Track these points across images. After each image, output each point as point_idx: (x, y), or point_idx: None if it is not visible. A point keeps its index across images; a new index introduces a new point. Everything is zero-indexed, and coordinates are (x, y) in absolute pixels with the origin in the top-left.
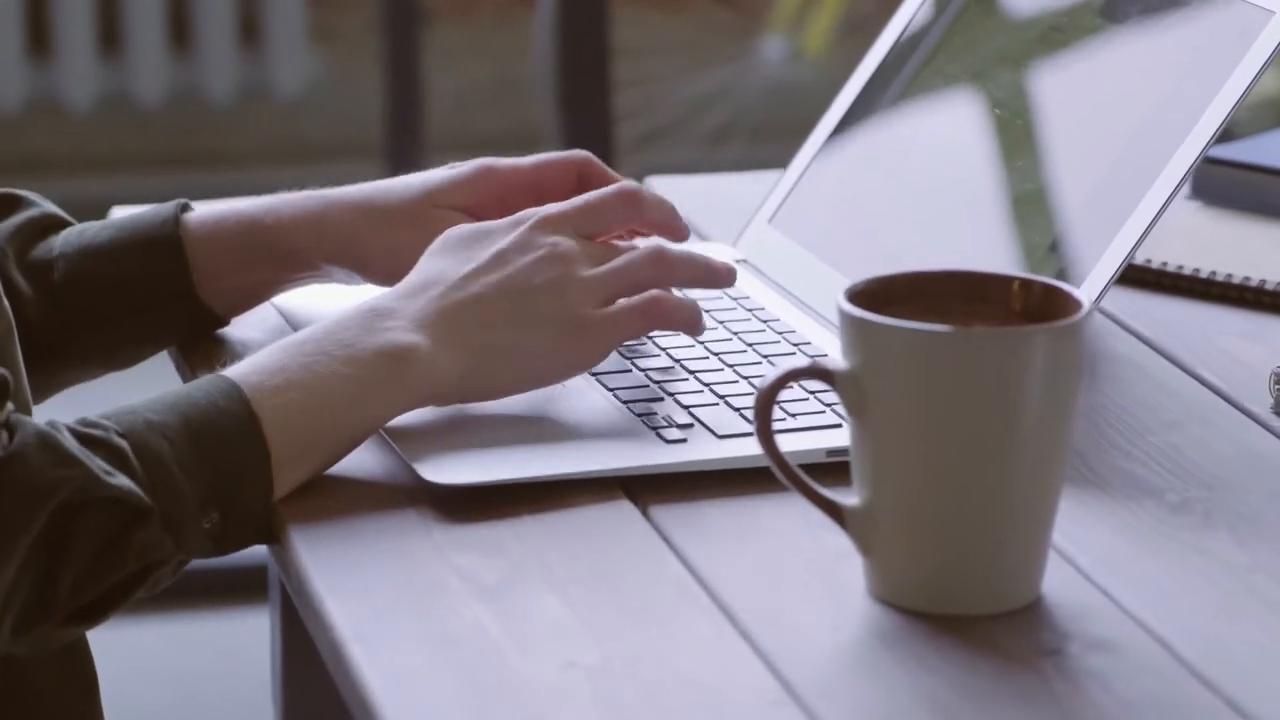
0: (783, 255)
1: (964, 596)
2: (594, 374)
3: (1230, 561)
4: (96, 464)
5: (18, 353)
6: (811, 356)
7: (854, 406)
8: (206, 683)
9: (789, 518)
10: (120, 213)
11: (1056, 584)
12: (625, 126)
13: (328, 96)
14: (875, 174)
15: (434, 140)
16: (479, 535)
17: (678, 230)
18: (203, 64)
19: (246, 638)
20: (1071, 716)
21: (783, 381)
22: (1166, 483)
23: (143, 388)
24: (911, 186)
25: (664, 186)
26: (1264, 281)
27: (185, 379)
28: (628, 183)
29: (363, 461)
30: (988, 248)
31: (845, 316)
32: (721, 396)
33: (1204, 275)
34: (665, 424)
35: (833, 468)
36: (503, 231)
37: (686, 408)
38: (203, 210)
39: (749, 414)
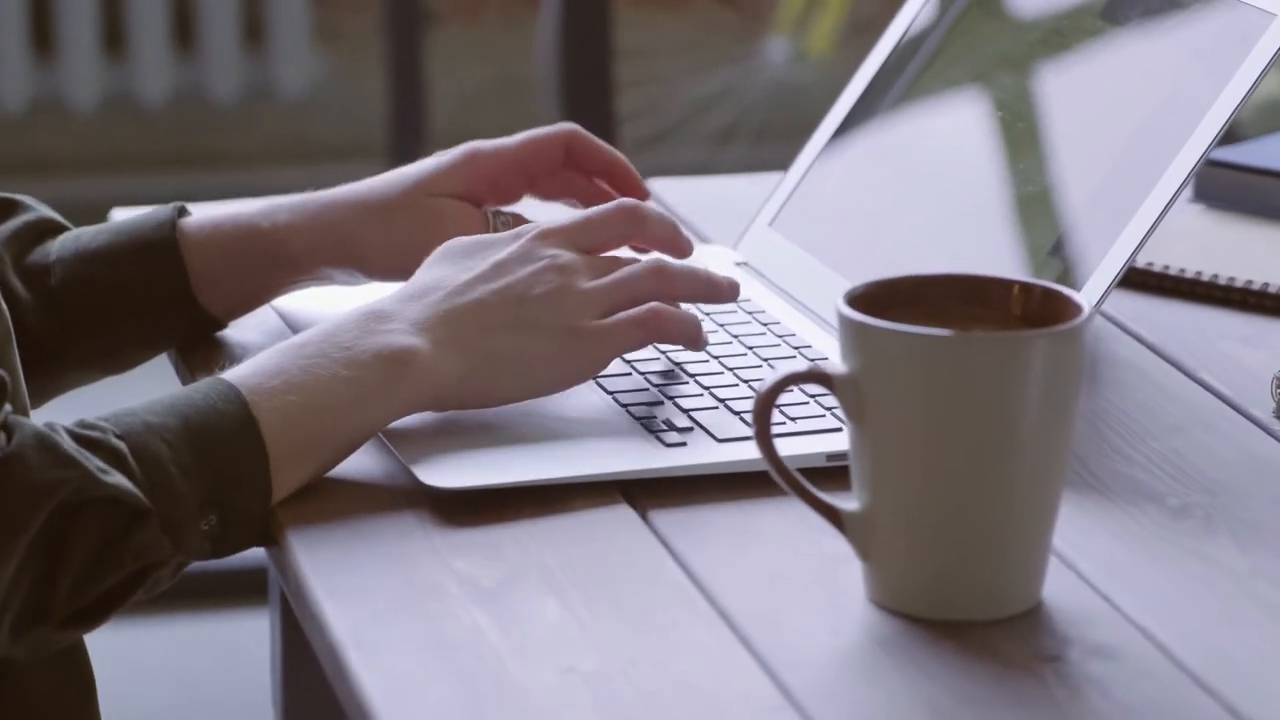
0: (783, 258)
1: (964, 602)
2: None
3: (1231, 567)
4: (94, 464)
5: (16, 356)
6: (812, 360)
7: (853, 411)
8: (206, 684)
9: (788, 522)
10: (120, 214)
11: (1057, 589)
12: (629, 128)
13: (332, 97)
14: (876, 177)
15: (438, 141)
16: (477, 539)
17: (681, 246)
18: (207, 64)
19: (247, 639)
20: None
21: (781, 386)
22: (1168, 488)
23: (142, 390)
24: (912, 189)
25: (665, 188)
26: (1267, 285)
27: (185, 382)
28: (628, 199)
29: (361, 464)
30: (989, 251)
31: (844, 320)
32: (721, 400)
33: (1206, 279)
34: (665, 427)
35: (833, 472)
36: (504, 243)
37: (686, 411)
38: (199, 214)
39: (749, 418)
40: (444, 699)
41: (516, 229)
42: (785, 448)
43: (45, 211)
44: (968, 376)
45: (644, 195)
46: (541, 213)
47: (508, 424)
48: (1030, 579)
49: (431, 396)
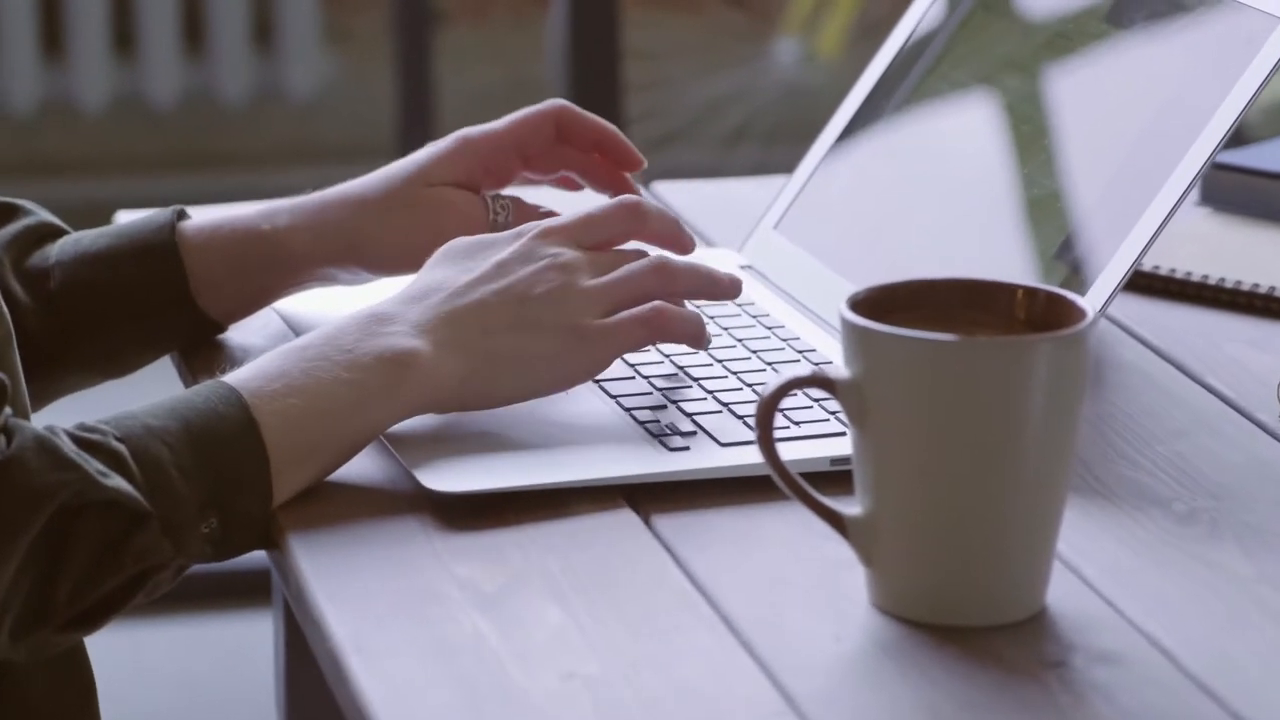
0: (788, 261)
1: (967, 607)
2: (597, 380)
3: (1237, 572)
4: (94, 467)
5: (16, 359)
6: (816, 364)
7: (856, 415)
8: (209, 686)
9: (792, 527)
10: (124, 217)
11: (1061, 595)
12: (638, 129)
13: (341, 98)
14: (880, 180)
15: None
16: (479, 543)
17: (682, 242)
18: (216, 65)
19: (249, 641)
20: None
21: (784, 390)
22: (1173, 492)
23: (144, 393)
24: (917, 192)
25: (670, 191)
26: (1273, 288)
27: (187, 384)
28: (629, 196)
29: (363, 468)
30: (994, 254)
31: (847, 325)
32: (725, 404)
33: (1212, 282)
34: (668, 432)
35: (837, 476)
36: (504, 242)
37: (690, 415)
38: (199, 218)
39: (752, 422)
40: (444, 704)
41: (518, 228)
42: (789, 452)
43: (45, 216)
44: (971, 381)
45: (638, 163)
46: (537, 195)
47: (510, 428)
48: (1034, 584)
49: (433, 398)
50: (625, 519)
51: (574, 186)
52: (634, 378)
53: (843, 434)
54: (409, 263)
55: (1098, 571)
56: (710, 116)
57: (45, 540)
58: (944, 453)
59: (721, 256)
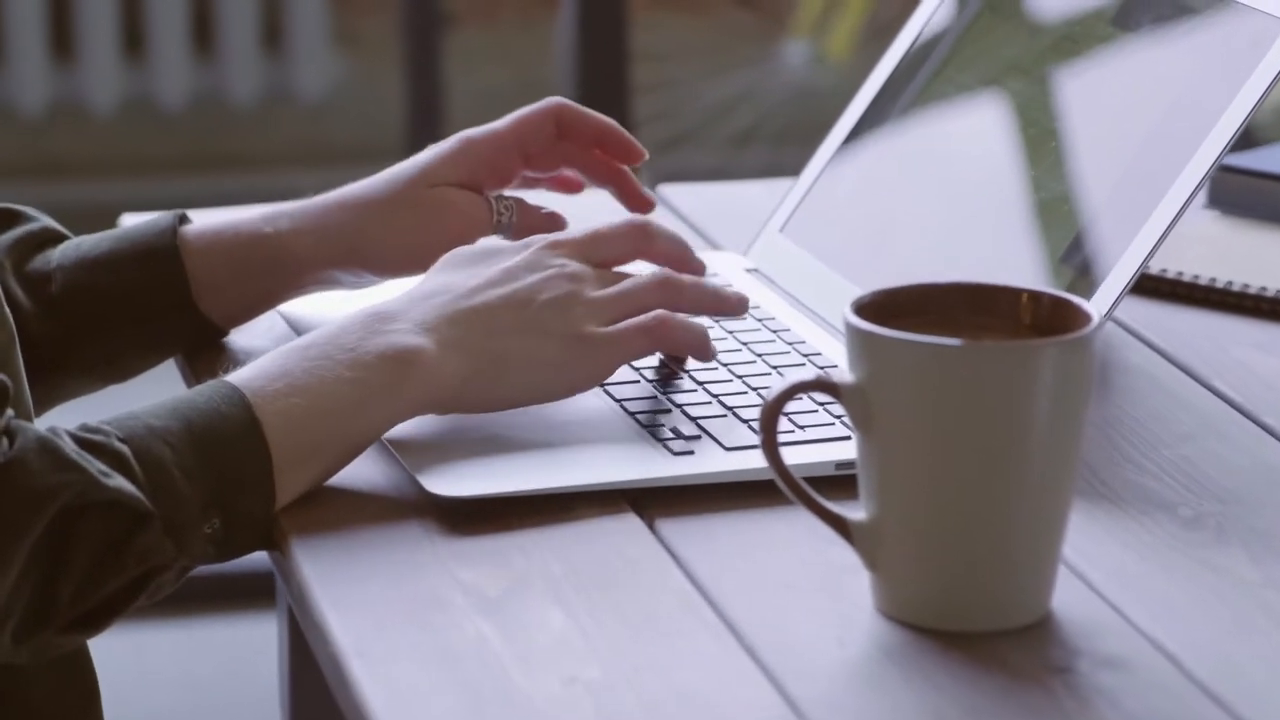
0: (793, 265)
1: (972, 612)
2: (601, 384)
3: (1243, 577)
4: (96, 468)
5: (19, 361)
6: (821, 368)
7: (860, 420)
8: (213, 689)
9: (796, 531)
10: (131, 219)
11: (1066, 600)
12: (647, 131)
13: (350, 100)
14: (887, 183)
15: None
16: (482, 548)
17: (691, 265)
18: (225, 67)
19: (254, 644)
20: None
21: (788, 395)
22: (1179, 497)
23: (147, 394)
24: (923, 196)
25: (677, 194)
26: None
27: (190, 385)
28: (638, 215)
29: (366, 472)
30: (1000, 257)
31: (851, 329)
32: (730, 408)
33: (1220, 285)
34: (672, 435)
35: (842, 481)
36: (511, 251)
37: (694, 419)
38: (201, 222)
39: (757, 425)
40: (448, 709)
41: (525, 240)
42: (793, 456)
43: (47, 221)
44: (976, 386)
45: (639, 155)
46: (538, 197)
47: (514, 432)
48: (1039, 589)
49: (435, 398)
50: (629, 523)
51: (572, 187)
52: (638, 381)
53: (847, 438)
54: (413, 264)
55: (1103, 576)
56: (719, 118)
57: (47, 541)
58: (949, 457)
59: (727, 260)
